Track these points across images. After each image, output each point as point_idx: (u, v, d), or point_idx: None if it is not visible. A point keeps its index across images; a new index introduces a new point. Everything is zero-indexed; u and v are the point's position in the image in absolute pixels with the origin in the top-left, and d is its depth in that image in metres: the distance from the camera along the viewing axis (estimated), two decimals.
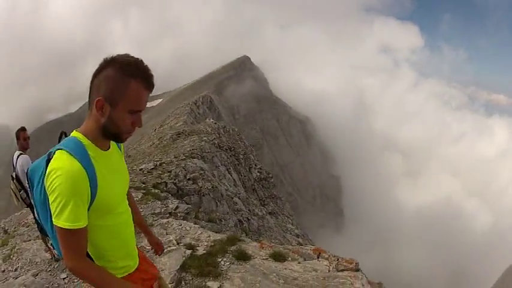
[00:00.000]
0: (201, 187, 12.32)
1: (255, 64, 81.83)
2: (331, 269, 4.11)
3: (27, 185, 4.72)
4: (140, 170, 12.06)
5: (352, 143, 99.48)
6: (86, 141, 1.56)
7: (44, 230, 1.67)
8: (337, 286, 3.57)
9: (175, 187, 11.27)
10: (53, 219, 1.44)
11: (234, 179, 17.90)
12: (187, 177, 12.41)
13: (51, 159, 1.49)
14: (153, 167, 12.32)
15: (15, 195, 4.70)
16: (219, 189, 13.59)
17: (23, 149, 4.75)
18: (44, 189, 1.49)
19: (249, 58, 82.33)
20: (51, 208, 1.44)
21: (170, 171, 12.09)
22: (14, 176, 4.64)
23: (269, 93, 77.79)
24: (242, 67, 76.44)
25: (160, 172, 11.89)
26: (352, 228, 76.79)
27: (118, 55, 1.51)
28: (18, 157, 4.63)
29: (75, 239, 1.46)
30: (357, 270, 4.04)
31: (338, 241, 59.73)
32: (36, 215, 1.70)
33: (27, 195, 4.66)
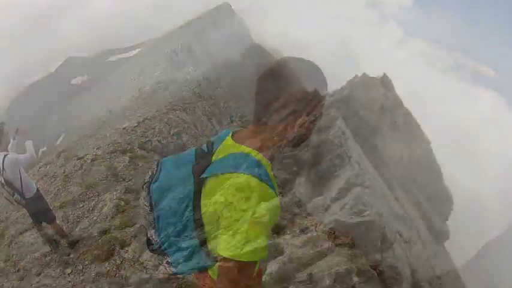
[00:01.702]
0: (185, 142, 12.26)
1: (235, 12, 79.08)
2: (330, 244, 4.29)
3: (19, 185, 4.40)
4: (124, 128, 11.72)
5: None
6: (266, 162, 1.40)
7: (156, 249, 1.57)
8: (339, 265, 3.76)
9: (160, 144, 11.14)
10: (229, 252, 1.24)
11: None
12: (171, 133, 12.30)
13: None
14: (136, 124, 12.01)
15: (10, 201, 4.50)
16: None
17: (7, 144, 4.42)
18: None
19: (230, 5, 79.36)
20: (227, 239, 1.26)
21: (154, 128, 11.89)
22: (4, 182, 4.35)
23: (249, 41, 75.96)
24: (222, 14, 73.76)
25: (144, 130, 11.61)
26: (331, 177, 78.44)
27: (287, 61, 1.42)
28: (4, 159, 4.28)
29: (252, 270, 1.30)
30: (353, 244, 4.24)
31: (315, 190, 61.04)
32: (154, 235, 1.56)
33: (22, 196, 4.44)
